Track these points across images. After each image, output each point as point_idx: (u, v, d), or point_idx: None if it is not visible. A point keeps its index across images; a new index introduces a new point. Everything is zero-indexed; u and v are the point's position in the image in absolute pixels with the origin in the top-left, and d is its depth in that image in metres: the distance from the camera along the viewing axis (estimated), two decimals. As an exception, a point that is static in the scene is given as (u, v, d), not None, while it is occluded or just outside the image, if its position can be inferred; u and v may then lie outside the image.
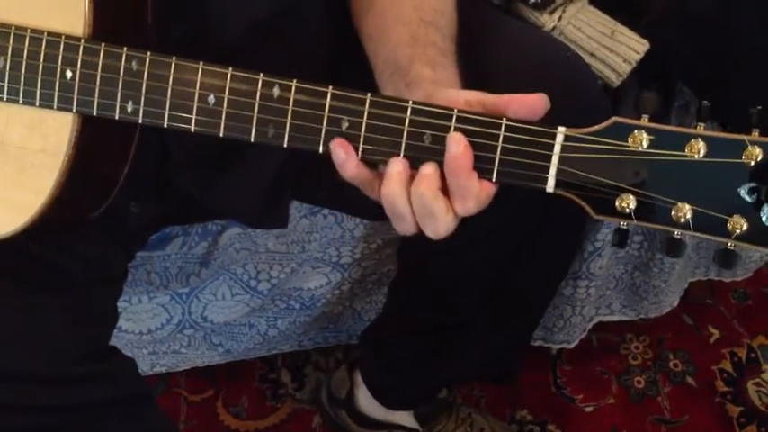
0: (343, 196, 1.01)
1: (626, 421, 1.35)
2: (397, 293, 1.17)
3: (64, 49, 0.68)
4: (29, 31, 0.69)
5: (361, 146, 0.65)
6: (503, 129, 0.63)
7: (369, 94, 0.64)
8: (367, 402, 1.28)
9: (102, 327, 0.90)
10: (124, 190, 0.77)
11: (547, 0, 1.00)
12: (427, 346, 1.14)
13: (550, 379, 1.41)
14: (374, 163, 0.67)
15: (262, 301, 1.21)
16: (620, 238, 0.63)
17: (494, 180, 0.64)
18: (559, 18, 1.01)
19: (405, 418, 1.28)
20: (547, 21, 1.01)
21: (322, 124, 0.65)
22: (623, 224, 0.62)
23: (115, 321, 0.94)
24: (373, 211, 1.05)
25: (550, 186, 0.63)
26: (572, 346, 1.37)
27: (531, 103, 0.64)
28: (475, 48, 0.87)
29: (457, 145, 0.63)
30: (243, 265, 1.16)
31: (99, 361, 0.86)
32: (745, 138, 0.58)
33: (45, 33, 0.69)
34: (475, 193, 0.64)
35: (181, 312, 1.20)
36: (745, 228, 0.58)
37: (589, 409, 1.37)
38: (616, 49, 1.01)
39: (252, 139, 0.67)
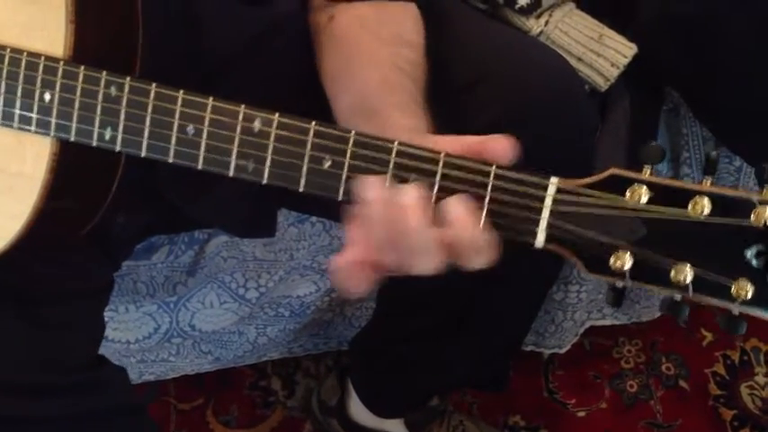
0: (331, 204, 1.00)
1: (619, 426, 1.35)
2: (386, 301, 1.16)
3: (43, 71, 0.66)
4: (8, 50, 0.68)
5: (342, 186, 0.62)
6: (492, 177, 0.59)
7: (353, 132, 0.62)
8: (358, 410, 1.27)
9: (89, 337, 0.89)
10: (110, 200, 0.76)
11: (533, 4, 0.99)
12: (417, 353, 1.13)
13: (543, 384, 1.40)
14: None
15: (250, 310, 1.20)
16: (616, 298, 0.59)
17: None
18: (546, 22, 1.00)
19: (396, 425, 1.27)
20: (533, 25, 1.00)
21: (303, 161, 0.62)
22: (618, 283, 0.58)
23: (102, 331, 0.93)
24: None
25: (540, 242, 0.59)
26: (564, 350, 1.37)
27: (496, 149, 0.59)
28: (460, 54, 0.86)
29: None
30: (231, 274, 1.15)
31: (86, 371, 0.86)
32: (755, 197, 0.54)
33: (25, 53, 0.67)
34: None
35: (168, 321, 1.19)
36: (751, 294, 0.54)
37: (582, 414, 1.37)
38: (604, 54, 1.00)
39: (231, 173, 0.64)
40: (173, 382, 1.37)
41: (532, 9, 1.00)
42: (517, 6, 0.99)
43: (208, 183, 0.90)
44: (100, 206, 0.74)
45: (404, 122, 0.69)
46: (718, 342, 1.45)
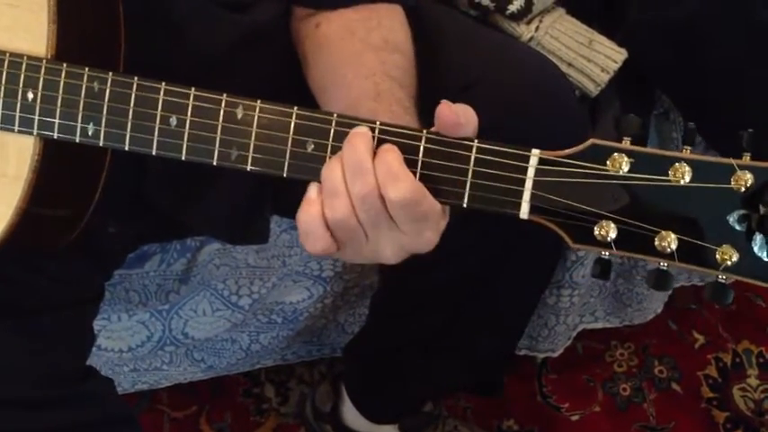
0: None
1: (612, 429, 1.35)
2: (378, 307, 1.16)
3: (26, 70, 0.67)
4: None
5: None
6: (474, 151, 0.60)
7: (335, 114, 0.63)
8: (352, 416, 1.27)
9: (78, 348, 0.89)
10: (100, 210, 0.76)
11: (524, 10, 1.00)
12: (410, 359, 1.13)
13: (536, 388, 1.40)
14: None
15: (243, 317, 1.20)
16: (602, 269, 0.59)
17: (465, 205, 0.62)
18: (536, 28, 1.00)
19: (390, 431, 1.27)
20: (524, 31, 1.01)
21: (287, 146, 0.63)
22: (604, 254, 0.59)
23: (92, 342, 0.93)
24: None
25: (524, 212, 0.60)
26: (557, 354, 1.37)
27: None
28: (450, 59, 0.86)
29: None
30: (223, 281, 1.15)
31: (75, 383, 0.85)
32: (734, 162, 0.54)
33: (7, 54, 0.67)
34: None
35: (161, 329, 1.19)
36: (735, 259, 0.55)
37: (575, 417, 1.37)
38: (594, 59, 1.00)
39: (214, 162, 0.65)
40: (166, 391, 1.36)
41: (523, 15, 1.00)
42: (508, 12, 0.99)
43: (198, 188, 0.90)
44: (85, 212, 0.74)
45: None
46: (710, 345, 1.45)
